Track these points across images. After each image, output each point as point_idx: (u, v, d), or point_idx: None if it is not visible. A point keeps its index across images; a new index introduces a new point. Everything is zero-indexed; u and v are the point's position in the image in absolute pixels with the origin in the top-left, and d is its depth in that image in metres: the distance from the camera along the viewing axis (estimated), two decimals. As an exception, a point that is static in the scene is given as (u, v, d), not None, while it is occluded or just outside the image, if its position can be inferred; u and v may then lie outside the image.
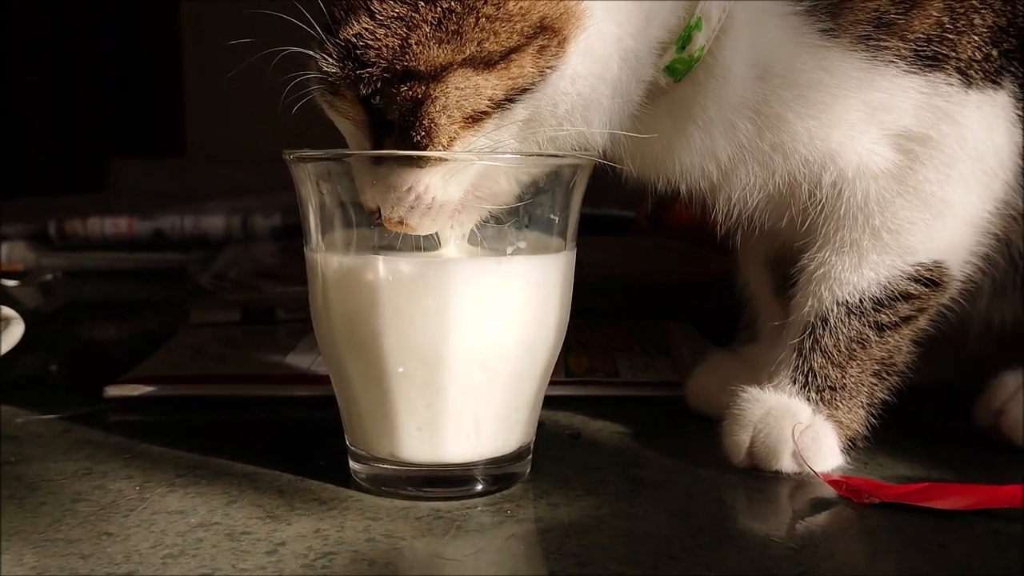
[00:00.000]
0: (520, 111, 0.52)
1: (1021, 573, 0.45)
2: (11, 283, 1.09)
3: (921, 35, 0.55)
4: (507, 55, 0.50)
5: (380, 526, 0.49)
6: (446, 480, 0.53)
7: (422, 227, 0.52)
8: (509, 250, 0.53)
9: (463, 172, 0.51)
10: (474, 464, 0.53)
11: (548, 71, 0.51)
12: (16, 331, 0.56)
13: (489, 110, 0.51)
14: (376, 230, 0.53)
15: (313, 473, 0.55)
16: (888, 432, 0.60)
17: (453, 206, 0.52)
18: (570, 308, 0.56)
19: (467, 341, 0.50)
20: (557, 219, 0.54)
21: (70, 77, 2.75)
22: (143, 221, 1.30)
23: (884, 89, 0.56)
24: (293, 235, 1.22)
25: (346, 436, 0.55)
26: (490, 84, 0.50)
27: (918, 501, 0.51)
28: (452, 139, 0.51)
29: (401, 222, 0.52)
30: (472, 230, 0.54)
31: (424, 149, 0.50)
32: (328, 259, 0.52)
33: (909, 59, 0.55)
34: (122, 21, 2.76)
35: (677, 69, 0.55)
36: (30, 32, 2.71)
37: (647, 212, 1.33)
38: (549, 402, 0.59)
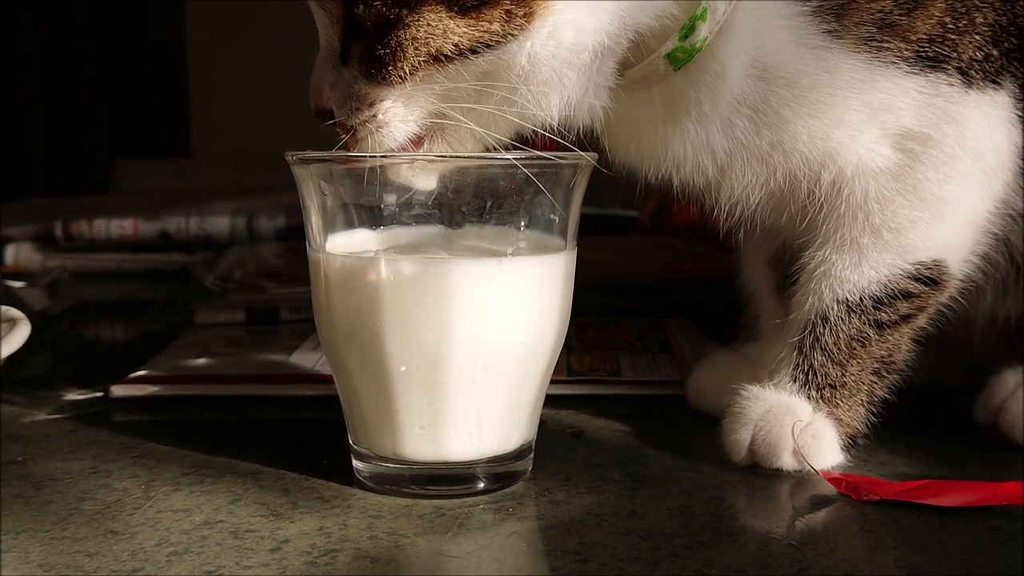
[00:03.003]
0: (481, 64, 0.52)
1: (1020, 569, 0.45)
2: (18, 284, 1.09)
3: (923, 36, 0.55)
4: (479, 6, 0.51)
5: (383, 524, 0.49)
6: (448, 478, 0.53)
7: (366, 144, 0.54)
8: (510, 250, 0.53)
9: (425, 104, 0.53)
10: (476, 462, 0.53)
11: (511, 37, 0.52)
12: (22, 332, 0.56)
13: (453, 56, 0.52)
14: (378, 231, 0.53)
15: (317, 471, 0.56)
16: (889, 429, 0.60)
17: (404, 137, 0.54)
18: (571, 307, 0.56)
19: (469, 341, 0.51)
20: (557, 219, 0.54)
21: (74, 80, 2.76)
22: (148, 222, 1.31)
23: (885, 90, 0.56)
24: (297, 236, 1.22)
25: (349, 435, 0.56)
26: (459, 31, 0.51)
27: (917, 498, 0.52)
28: (414, 70, 0.52)
29: (352, 133, 0.53)
30: (476, 230, 0.54)
31: (387, 68, 0.52)
32: (330, 259, 0.53)
33: (911, 60, 0.55)
34: (126, 23, 2.77)
35: (678, 58, 0.55)
36: (34, 35, 2.72)
37: (651, 212, 1.34)
38: (552, 401, 0.60)
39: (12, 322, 0.58)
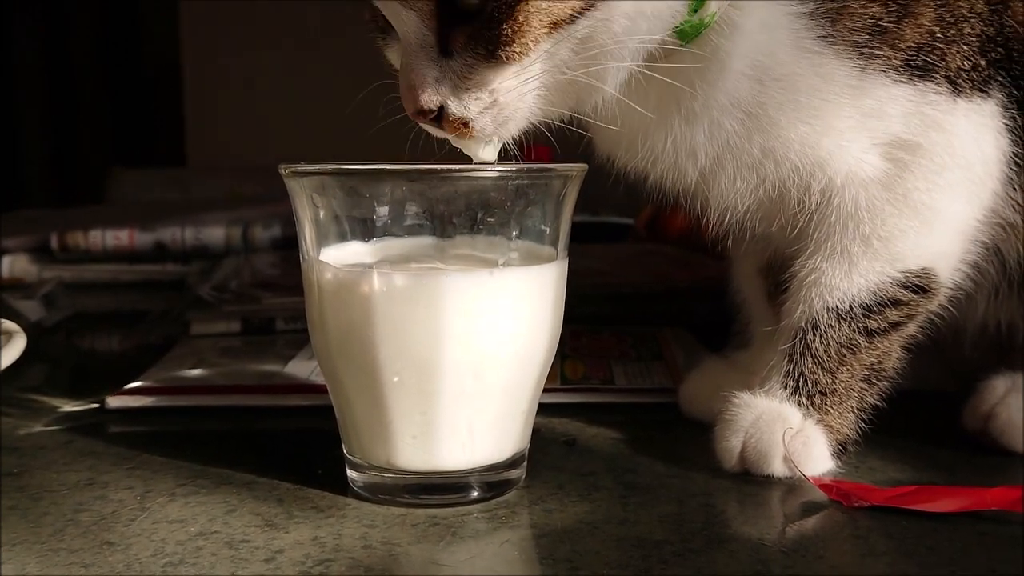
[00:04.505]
0: (582, 27, 0.52)
1: (1008, 574, 0.46)
2: (13, 296, 1.10)
3: (912, 44, 0.56)
4: None
5: (377, 533, 0.50)
6: (442, 487, 0.53)
7: (485, 132, 0.53)
8: (501, 261, 0.54)
9: (535, 76, 0.52)
10: (469, 471, 0.54)
11: None
12: (18, 345, 0.57)
13: (567, 19, 0.51)
14: (370, 243, 0.54)
15: (311, 481, 0.56)
16: (879, 435, 0.60)
17: (521, 115, 0.54)
18: (563, 317, 0.56)
19: (460, 351, 0.51)
20: (548, 229, 0.54)
21: (70, 90, 2.77)
22: (144, 233, 1.31)
23: (875, 97, 0.56)
24: (292, 245, 1.22)
25: (343, 445, 0.56)
26: None
27: (907, 504, 0.52)
28: (536, 42, 0.51)
29: (466, 124, 0.53)
30: (468, 240, 0.54)
31: (509, 44, 0.51)
32: (323, 272, 0.53)
33: (900, 68, 0.56)
34: (122, 33, 2.78)
35: (686, 32, 0.55)
36: (30, 45, 2.73)
37: (646, 220, 1.34)
38: (545, 409, 0.60)
39: (8, 335, 0.58)
